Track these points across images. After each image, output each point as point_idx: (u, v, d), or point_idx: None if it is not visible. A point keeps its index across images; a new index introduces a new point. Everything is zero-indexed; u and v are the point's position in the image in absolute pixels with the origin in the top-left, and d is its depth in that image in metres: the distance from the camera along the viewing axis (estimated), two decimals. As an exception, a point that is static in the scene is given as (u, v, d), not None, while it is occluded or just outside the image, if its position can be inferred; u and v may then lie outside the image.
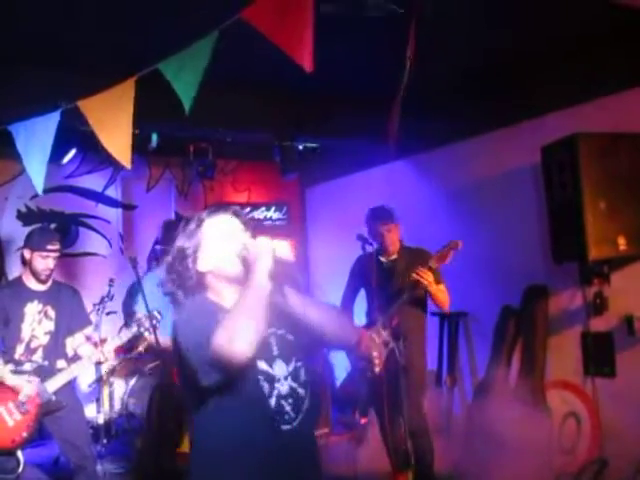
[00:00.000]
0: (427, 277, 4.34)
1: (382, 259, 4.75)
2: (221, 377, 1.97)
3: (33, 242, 4.24)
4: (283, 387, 2.13)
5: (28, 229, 6.48)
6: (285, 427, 2.10)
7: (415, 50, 3.30)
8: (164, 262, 2.27)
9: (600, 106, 4.64)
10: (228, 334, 1.90)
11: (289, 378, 2.15)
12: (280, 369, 2.15)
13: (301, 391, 2.17)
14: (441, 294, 4.52)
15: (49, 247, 4.21)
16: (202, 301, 2.19)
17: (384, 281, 4.64)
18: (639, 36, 4.24)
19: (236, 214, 2.29)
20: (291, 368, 2.17)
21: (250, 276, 2.03)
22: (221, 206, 2.33)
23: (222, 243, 2.19)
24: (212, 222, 2.25)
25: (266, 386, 2.09)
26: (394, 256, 4.74)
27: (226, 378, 1.98)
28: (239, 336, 1.89)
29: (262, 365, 2.11)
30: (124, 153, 3.37)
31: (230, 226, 2.25)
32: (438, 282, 4.46)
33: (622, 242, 4.29)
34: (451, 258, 4.33)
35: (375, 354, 4.51)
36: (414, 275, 4.36)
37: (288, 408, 2.12)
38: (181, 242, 2.25)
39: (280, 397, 2.11)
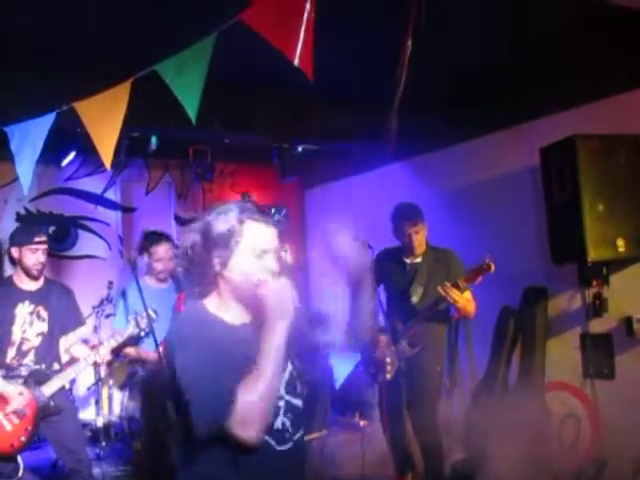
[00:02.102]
0: (453, 294, 4.12)
1: (406, 260, 4.57)
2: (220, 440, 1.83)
3: (19, 239, 4.16)
4: (281, 403, 2.02)
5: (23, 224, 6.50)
6: (285, 447, 2.01)
7: (412, 52, 3.31)
8: (186, 247, 2.02)
9: (598, 108, 4.66)
10: (241, 419, 1.75)
11: (284, 391, 2.04)
12: (281, 386, 2.03)
13: (297, 403, 2.08)
14: (469, 305, 4.31)
15: (36, 239, 4.12)
16: (203, 315, 2.00)
17: (405, 284, 4.51)
18: (637, 38, 4.25)
19: (276, 225, 2.11)
20: (286, 379, 2.05)
21: (267, 335, 1.85)
22: (259, 208, 2.10)
23: (258, 260, 1.99)
24: (253, 230, 2.02)
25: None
26: (419, 258, 4.54)
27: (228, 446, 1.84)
28: (253, 423, 1.77)
29: None
30: (108, 154, 3.36)
31: (270, 240, 2.06)
32: (463, 290, 4.23)
33: (621, 244, 4.30)
34: (481, 279, 4.11)
35: (388, 360, 4.44)
36: (440, 290, 4.15)
37: (288, 424, 2.03)
38: (214, 241, 1.98)
39: (281, 415, 2.01)
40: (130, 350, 4.81)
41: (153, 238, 4.89)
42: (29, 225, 4.46)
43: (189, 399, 1.84)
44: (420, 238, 4.48)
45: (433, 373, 4.52)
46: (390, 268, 4.53)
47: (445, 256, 4.53)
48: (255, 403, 1.77)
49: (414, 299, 4.49)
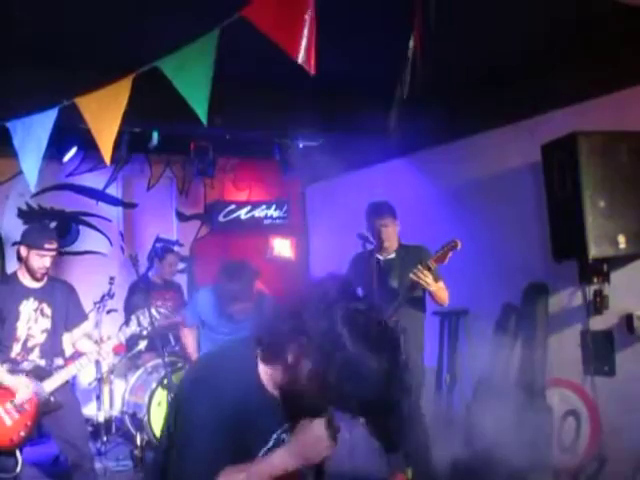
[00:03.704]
0: (425, 277, 4.23)
1: (379, 257, 4.68)
2: None
3: (31, 240, 4.14)
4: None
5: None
6: None
7: (417, 48, 3.30)
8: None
9: (600, 104, 4.64)
10: None
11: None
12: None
13: None
14: (441, 292, 4.44)
15: (47, 246, 4.10)
16: (253, 384, 1.77)
17: (381, 280, 4.56)
18: (639, 35, 4.24)
19: None
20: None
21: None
22: None
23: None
24: None
25: None
26: (392, 255, 4.67)
27: None
28: None
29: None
30: (107, 149, 3.36)
31: None
32: (436, 279, 4.36)
33: (622, 241, 4.29)
34: (449, 258, 4.23)
35: None
36: (412, 276, 4.27)
37: None
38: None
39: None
40: (189, 342, 4.80)
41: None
42: (44, 227, 4.42)
43: (179, 445, 1.74)
44: (389, 232, 4.61)
45: (414, 361, 4.51)
46: (364, 268, 4.57)
47: (416, 250, 4.64)
48: None
49: (391, 292, 4.52)
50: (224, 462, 1.70)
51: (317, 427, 1.70)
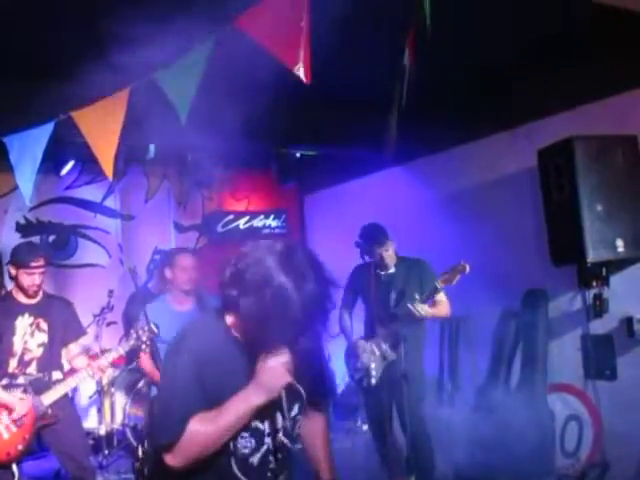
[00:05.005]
0: (421, 310, 4.33)
1: (381, 272, 4.76)
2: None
3: (17, 259, 4.20)
4: (273, 441, 2.03)
5: (27, 241, 6.52)
6: None
7: (413, 58, 3.31)
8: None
9: (596, 109, 4.66)
10: (180, 443, 1.87)
11: (281, 432, 2.03)
12: (272, 423, 2.02)
13: (291, 446, 2.07)
14: (441, 308, 4.56)
15: (33, 264, 4.15)
16: (224, 337, 2.01)
17: (383, 294, 4.68)
18: (636, 38, 4.25)
19: None
20: (287, 422, 2.03)
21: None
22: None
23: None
24: None
25: (252, 443, 1.99)
26: (392, 270, 4.77)
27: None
28: (186, 453, 1.88)
29: (252, 422, 1.98)
30: (108, 163, 3.37)
31: None
32: (437, 292, 4.41)
33: (620, 244, 4.30)
34: (458, 280, 4.24)
35: (373, 366, 4.55)
36: (410, 307, 4.34)
37: (272, 465, 2.04)
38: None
39: (268, 452, 2.03)
40: (147, 365, 4.75)
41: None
42: (30, 246, 4.46)
43: (161, 395, 2.00)
44: (390, 254, 4.74)
45: (417, 375, 4.60)
46: (366, 280, 4.68)
47: (417, 265, 4.76)
48: (199, 436, 1.87)
49: (391, 305, 4.65)
50: (199, 408, 1.90)
51: (271, 359, 1.91)
